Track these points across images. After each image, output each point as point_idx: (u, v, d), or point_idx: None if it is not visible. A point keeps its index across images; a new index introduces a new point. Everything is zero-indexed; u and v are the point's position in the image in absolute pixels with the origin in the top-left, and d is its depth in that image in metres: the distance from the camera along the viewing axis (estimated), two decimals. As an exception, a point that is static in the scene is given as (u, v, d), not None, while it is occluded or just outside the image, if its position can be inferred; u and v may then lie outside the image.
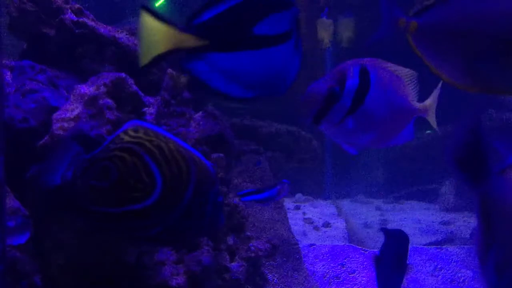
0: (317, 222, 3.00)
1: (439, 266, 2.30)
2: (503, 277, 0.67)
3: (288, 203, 3.33)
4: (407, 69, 1.20)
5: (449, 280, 2.22)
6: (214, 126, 1.62)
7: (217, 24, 0.99)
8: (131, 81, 1.40)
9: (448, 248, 2.45)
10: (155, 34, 0.98)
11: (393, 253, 1.14)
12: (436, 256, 2.37)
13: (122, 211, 0.92)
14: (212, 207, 0.98)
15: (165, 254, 1.38)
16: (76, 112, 1.27)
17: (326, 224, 2.95)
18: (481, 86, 1.01)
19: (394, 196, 3.76)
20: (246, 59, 1.02)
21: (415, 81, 1.21)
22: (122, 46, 1.77)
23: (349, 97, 1.10)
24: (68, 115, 1.27)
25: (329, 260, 2.30)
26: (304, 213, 3.24)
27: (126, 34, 1.82)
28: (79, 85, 1.35)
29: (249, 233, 1.71)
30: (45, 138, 1.25)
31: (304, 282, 2.01)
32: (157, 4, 3.98)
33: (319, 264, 2.28)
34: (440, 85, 1.25)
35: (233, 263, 1.59)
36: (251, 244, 1.67)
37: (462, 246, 2.46)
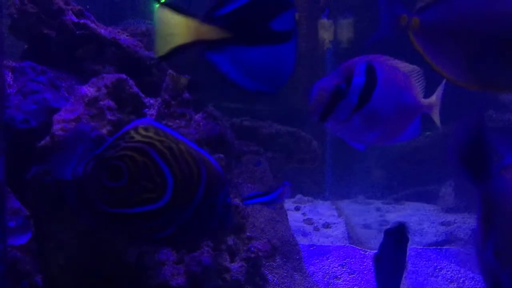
0: (317, 223, 3.00)
1: (439, 267, 2.31)
2: (502, 260, 0.69)
3: (288, 203, 3.33)
4: (413, 66, 1.20)
5: (448, 280, 2.23)
6: (214, 127, 1.63)
7: (239, 17, 0.99)
8: (131, 82, 1.41)
9: (448, 249, 2.45)
10: (176, 27, 0.97)
11: (392, 251, 1.14)
12: (436, 257, 2.38)
13: (133, 212, 0.92)
14: (221, 208, 0.98)
15: (165, 254, 1.39)
16: (76, 113, 1.28)
17: (326, 225, 2.95)
18: (481, 84, 1.02)
19: (394, 197, 3.76)
20: (263, 54, 1.03)
21: (422, 78, 1.21)
22: (122, 47, 1.77)
23: (355, 94, 1.10)
24: (69, 116, 1.27)
25: (329, 260, 2.31)
26: (304, 214, 3.24)
27: (127, 35, 1.83)
28: (79, 86, 1.36)
29: (249, 234, 1.71)
30: (46, 139, 1.25)
31: (304, 282, 2.02)
32: (157, 5, 3.98)
33: (319, 265, 2.28)
34: (444, 81, 1.25)
35: (233, 264, 1.60)
36: (251, 244, 1.67)
37: (462, 246, 2.47)
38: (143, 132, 0.94)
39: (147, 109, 1.47)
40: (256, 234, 1.93)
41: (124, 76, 1.40)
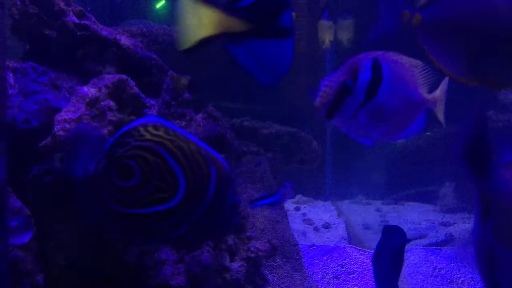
0: (317, 223, 3.01)
1: (438, 267, 2.31)
2: (500, 238, 0.70)
3: (288, 204, 3.34)
4: (417, 60, 1.19)
5: (448, 281, 2.23)
6: (214, 127, 1.63)
7: (257, 10, 1.00)
8: (132, 82, 1.42)
9: (448, 249, 2.45)
10: (202, 18, 0.95)
11: (390, 248, 1.14)
12: (435, 257, 2.38)
13: (146, 212, 0.92)
14: (230, 207, 0.98)
15: (166, 254, 1.39)
16: (77, 113, 1.29)
17: (326, 225, 2.96)
18: (481, 80, 1.03)
19: (394, 197, 3.77)
20: (273, 47, 1.04)
21: (427, 73, 1.21)
22: (123, 48, 1.78)
23: (362, 90, 1.10)
24: (70, 116, 1.28)
25: (328, 261, 2.31)
26: (304, 214, 3.25)
27: (127, 36, 1.84)
28: (80, 87, 1.36)
29: (249, 234, 1.72)
30: (47, 139, 1.26)
31: (303, 282, 2.02)
32: (158, 6, 3.99)
33: (318, 265, 2.29)
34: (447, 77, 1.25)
35: (233, 263, 1.60)
36: (251, 244, 1.68)
37: (462, 246, 2.47)
38: (153, 131, 0.94)
39: (147, 110, 1.47)
40: (256, 234, 1.93)
41: (124, 76, 1.40)
